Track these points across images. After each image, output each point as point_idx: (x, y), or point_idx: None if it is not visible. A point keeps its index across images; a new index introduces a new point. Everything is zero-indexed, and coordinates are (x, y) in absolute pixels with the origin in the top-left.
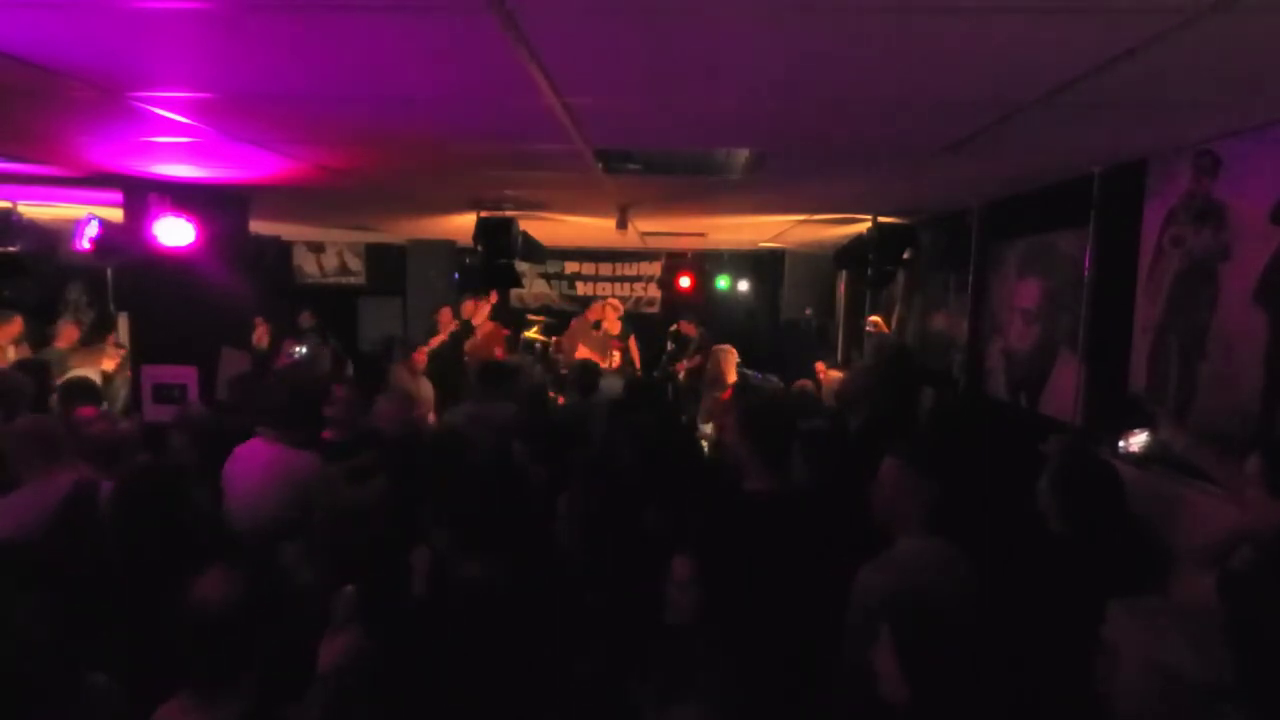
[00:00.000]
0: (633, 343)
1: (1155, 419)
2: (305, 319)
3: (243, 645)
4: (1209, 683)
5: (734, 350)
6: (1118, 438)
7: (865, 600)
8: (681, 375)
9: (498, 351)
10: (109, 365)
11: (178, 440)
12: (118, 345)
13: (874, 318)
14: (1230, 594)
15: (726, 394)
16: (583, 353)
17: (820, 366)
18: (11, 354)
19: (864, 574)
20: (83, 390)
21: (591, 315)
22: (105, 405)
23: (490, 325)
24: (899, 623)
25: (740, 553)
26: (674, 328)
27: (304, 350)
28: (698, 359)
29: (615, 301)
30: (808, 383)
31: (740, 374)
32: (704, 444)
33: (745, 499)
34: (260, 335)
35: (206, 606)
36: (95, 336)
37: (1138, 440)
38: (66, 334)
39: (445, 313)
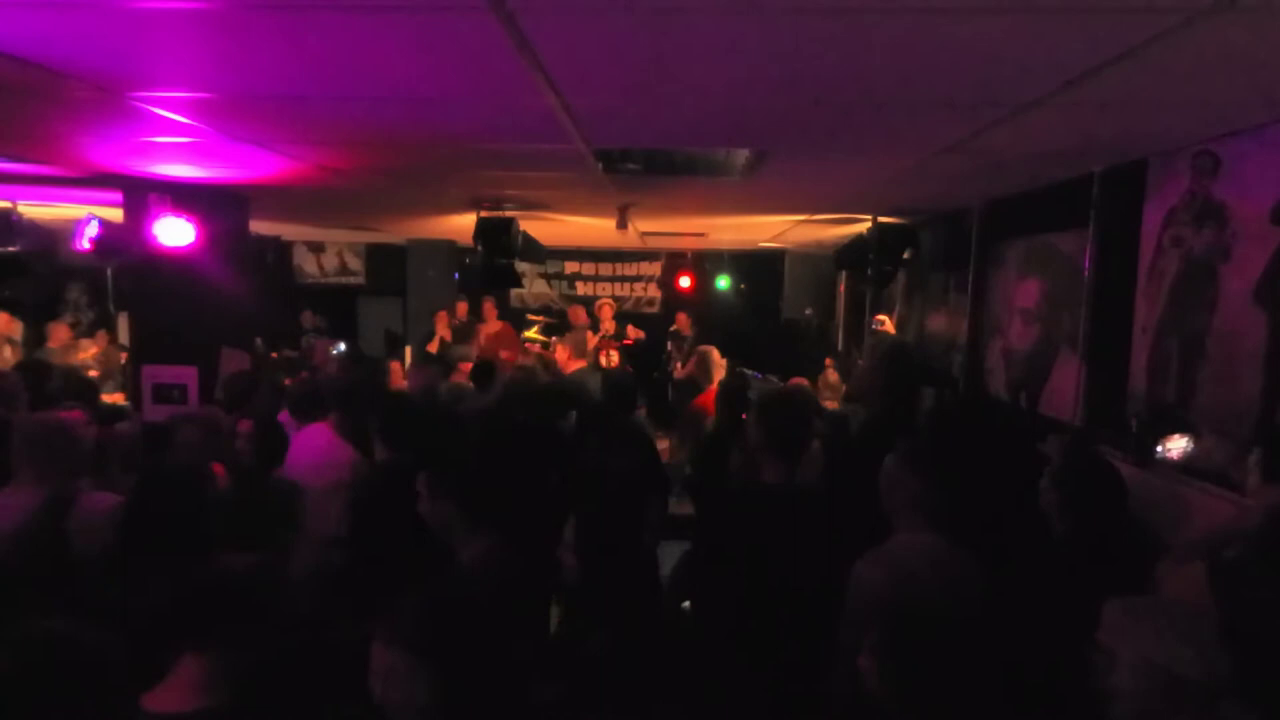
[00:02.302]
0: (631, 329)
1: (1195, 428)
2: (307, 318)
3: (259, 616)
4: (1208, 681)
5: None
6: (1155, 443)
7: (858, 593)
8: (678, 373)
9: (504, 353)
10: (84, 355)
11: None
12: (116, 345)
13: (881, 316)
14: (1221, 584)
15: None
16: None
17: (829, 361)
18: (9, 354)
19: (858, 567)
20: (78, 388)
21: (578, 322)
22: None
23: (499, 325)
24: (887, 615)
25: (752, 541)
26: (673, 327)
27: (343, 348)
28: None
29: (610, 301)
30: (804, 381)
31: (740, 374)
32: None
33: (761, 489)
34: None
35: (230, 574)
36: (88, 333)
37: (1176, 446)
38: (57, 334)
39: (442, 316)
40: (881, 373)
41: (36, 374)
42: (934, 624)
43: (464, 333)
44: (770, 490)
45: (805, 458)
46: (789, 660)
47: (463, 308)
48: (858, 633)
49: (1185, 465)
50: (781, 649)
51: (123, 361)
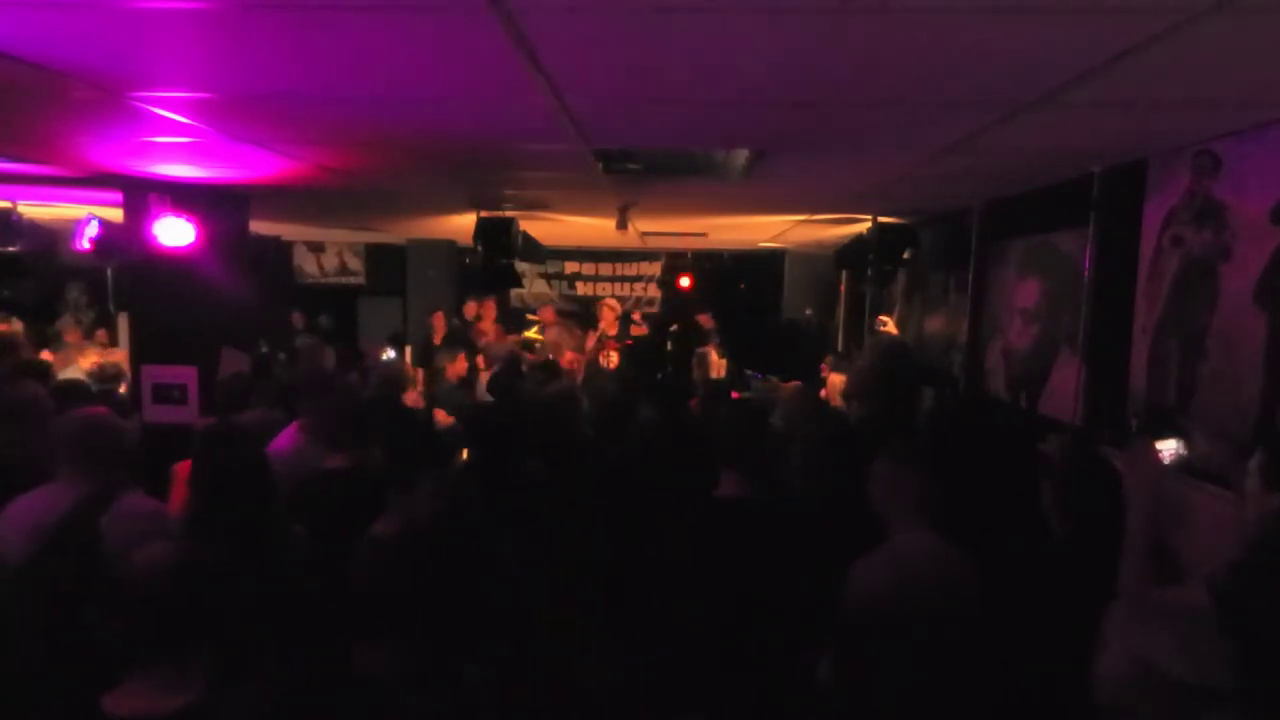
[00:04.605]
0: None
1: (1189, 431)
2: (296, 319)
3: (184, 618)
4: (1191, 684)
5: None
6: (1151, 443)
7: (855, 594)
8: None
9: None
10: (86, 364)
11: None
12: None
13: (883, 317)
14: (1220, 593)
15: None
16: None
17: (825, 364)
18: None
19: (855, 569)
20: (77, 394)
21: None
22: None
23: (496, 328)
24: (882, 614)
25: (698, 557)
26: (676, 327)
27: (392, 354)
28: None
29: (613, 301)
30: (797, 384)
31: (741, 375)
32: None
33: (710, 504)
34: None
35: (140, 577)
36: (89, 333)
37: (1165, 448)
38: (70, 335)
39: (438, 316)
40: (879, 372)
41: (38, 377)
42: (925, 622)
43: (460, 334)
44: (721, 504)
45: (786, 464)
46: (755, 673)
47: (470, 308)
48: (851, 634)
49: (1184, 465)
50: (749, 661)
51: (111, 360)
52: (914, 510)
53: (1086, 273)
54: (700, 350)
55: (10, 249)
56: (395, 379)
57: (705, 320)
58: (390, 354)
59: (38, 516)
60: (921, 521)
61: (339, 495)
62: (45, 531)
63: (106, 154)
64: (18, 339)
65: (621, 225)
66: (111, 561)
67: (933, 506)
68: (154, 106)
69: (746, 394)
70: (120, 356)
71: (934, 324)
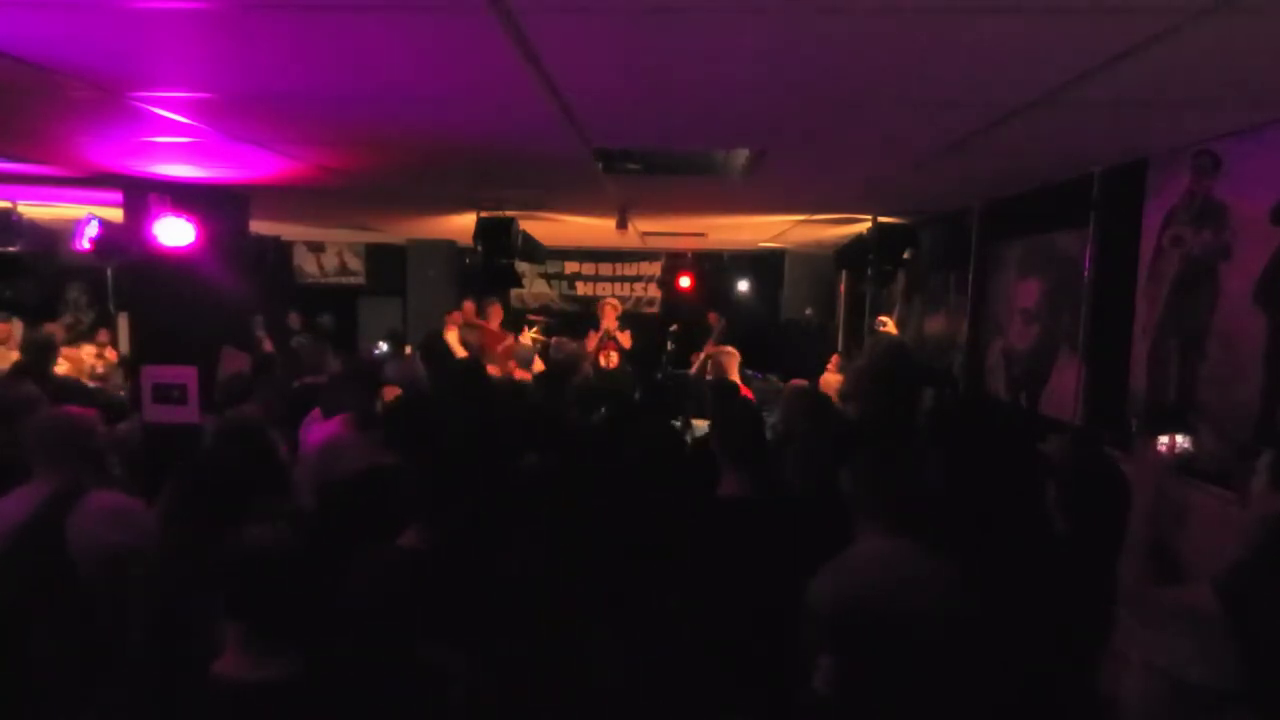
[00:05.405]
0: (626, 336)
1: (1196, 429)
2: (294, 320)
3: (299, 595)
4: (1214, 686)
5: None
6: (1154, 441)
7: (813, 604)
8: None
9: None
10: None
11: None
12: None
13: (883, 317)
14: (1226, 593)
15: None
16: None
17: (832, 364)
18: (12, 354)
19: (816, 578)
20: (74, 392)
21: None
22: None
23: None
24: (841, 624)
25: (703, 557)
26: (676, 327)
27: (386, 348)
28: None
29: (615, 301)
30: (804, 382)
31: (741, 374)
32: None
33: (714, 503)
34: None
35: (263, 550)
36: (89, 333)
37: (1165, 441)
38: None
39: (455, 315)
40: (879, 372)
41: (38, 352)
42: (886, 630)
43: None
44: (722, 504)
45: (786, 464)
46: (753, 674)
47: (468, 308)
48: (814, 644)
49: (1187, 464)
50: (748, 662)
51: (110, 360)
52: (875, 517)
53: (1086, 273)
54: (719, 352)
55: (10, 249)
56: (419, 382)
57: (713, 318)
58: (384, 347)
59: (13, 514)
60: (878, 526)
61: (361, 495)
62: (16, 528)
63: (106, 154)
64: (55, 338)
65: (621, 225)
66: (77, 556)
67: (900, 512)
68: (154, 106)
69: None
70: (112, 356)
71: (934, 324)
